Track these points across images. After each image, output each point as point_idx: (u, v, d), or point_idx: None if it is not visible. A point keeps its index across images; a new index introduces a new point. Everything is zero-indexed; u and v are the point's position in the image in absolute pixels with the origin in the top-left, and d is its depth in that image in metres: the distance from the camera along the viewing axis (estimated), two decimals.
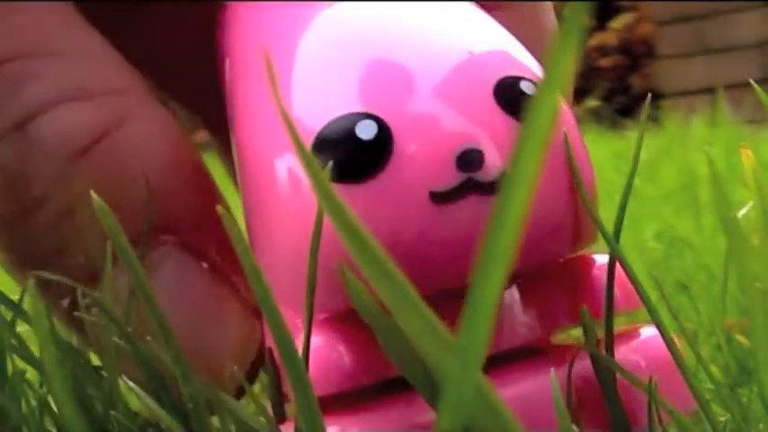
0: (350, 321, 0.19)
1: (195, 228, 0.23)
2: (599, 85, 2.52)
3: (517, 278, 0.20)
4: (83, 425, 0.16)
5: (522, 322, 0.20)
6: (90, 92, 0.22)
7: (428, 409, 0.17)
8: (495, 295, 0.12)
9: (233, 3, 0.24)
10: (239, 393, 0.22)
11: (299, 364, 0.16)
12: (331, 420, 0.19)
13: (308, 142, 0.19)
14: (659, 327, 0.19)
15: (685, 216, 0.57)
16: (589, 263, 0.21)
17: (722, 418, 0.20)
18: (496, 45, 0.21)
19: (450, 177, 0.18)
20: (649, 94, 0.23)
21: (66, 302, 0.22)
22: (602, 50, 2.63)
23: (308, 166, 0.13)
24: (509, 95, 0.19)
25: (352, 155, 0.18)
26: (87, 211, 0.21)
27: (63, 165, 0.22)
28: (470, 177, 0.18)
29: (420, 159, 0.18)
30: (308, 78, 0.20)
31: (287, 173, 0.19)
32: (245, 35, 0.23)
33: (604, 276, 0.20)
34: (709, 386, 0.23)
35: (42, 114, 0.22)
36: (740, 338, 0.31)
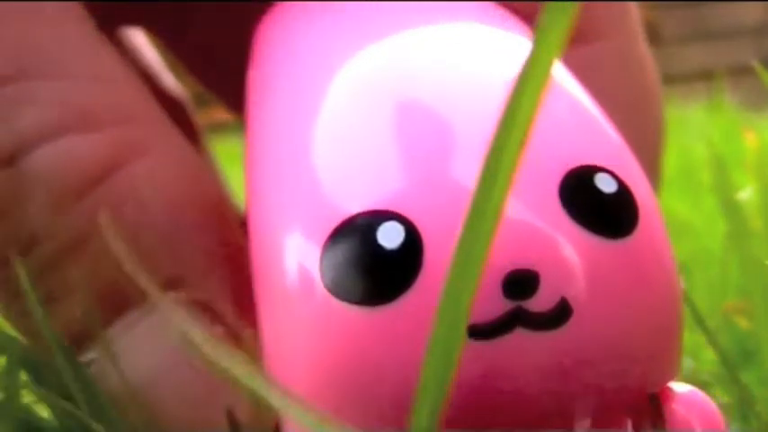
0: None
1: (209, 282, 0.20)
2: None
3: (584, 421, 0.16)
4: None
5: None
6: (96, 121, 0.20)
7: None
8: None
9: (275, 9, 0.21)
10: None
11: None
12: None
13: (320, 243, 0.15)
14: None
15: (685, 199, 0.57)
16: (667, 395, 0.17)
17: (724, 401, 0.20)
18: (566, 115, 0.16)
19: (495, 306, 0.14)
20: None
21: (61, 358, 0.20)
22: None
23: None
24: (580, 195, 0.15)
25: (371, 268, 0.14)
26: (86, 258, 0.19)
27: (60, 205, 0.19)
28: (520, 307, 0.14)
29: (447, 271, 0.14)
30: (328, 151, 0.16)
31: (298, 271, 0.15)
32: (274, 58, 0.19)
33: (688, 414, 0.16)
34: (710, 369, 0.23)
35: (39, 146, 0.19)
36: (741, 321, 0.31)
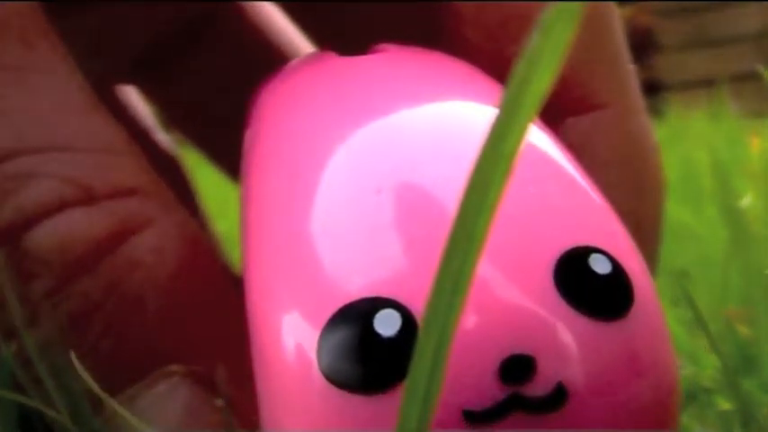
0: None
1: (210, 354, 0.20)
2: None
3: None
4: None
5: None
6: (96, 194, 0.19)
7: None
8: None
9: (273, 78, 0.21)
10: None
11: None
12: None
13: (317, 329, 0.15)
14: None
15: (687, 206, 0.57)
16: None
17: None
18: (559, 195, 0.16)
19: (491, 392, 0.14)
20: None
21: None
22: None
23: None
24: (574, 277, 0.15)
25: (368, 356, 0.14)
26: (91, 332, 0.19)
27: (65, 279, 0.19)
28: (516, 393, 0.14)
29: (453, 366, 0.14)
30: (326, 234, 0.16)
31: (295, 356, 0.15)
32: (272, 129, 0.19)
33: None
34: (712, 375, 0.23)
35: (41, 222, 0.19)
36: (742, 328, 0.31)
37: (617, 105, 0.23)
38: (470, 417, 0.14)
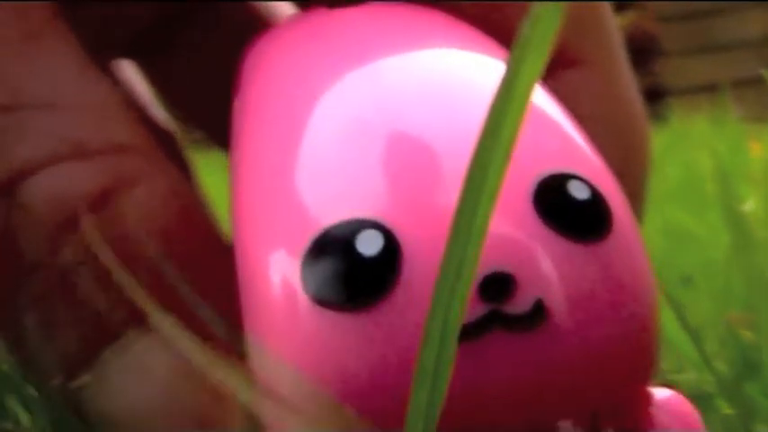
0: None
1: (201, 308, 0.20)
2: None
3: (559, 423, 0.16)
4: None
5: None
6: (90, 150, 0.20)
7: None
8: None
9: (260, 39, 0.21)
10: None
11: None
12: None
13: (300, 252, 0.15)
14: None
15: (690, 211, 0.57)
16: (645, 399, 0.17)
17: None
18: (539, 124, 0.16)
19: (472, 308, 0.14)
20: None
21: (56, 381, 0.20)
22: None
23: None
24: (552, 202, 0.15)
25: (349, 275, 0.15)
26: (83, 286, 0.19)
27: (54, 232, 0.19)
28: (496, 310, 0.14)
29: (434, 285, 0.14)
30: (313, 162, 0.16)
31: (283, 283, 0.15)
32: (259, 83, 0.20)
33: (667, 419, 0.16)
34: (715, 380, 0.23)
35: (33, 175, 0.19)
36: (745, 333, 0.31)
37: (602, 64, 0.23)
38: None
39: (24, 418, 0.21)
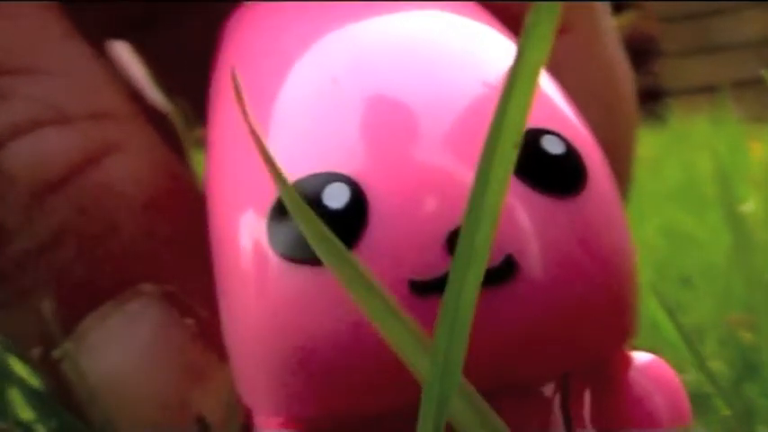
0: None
1: (182, 275, 0.20)
2: None
3: (534, 384, 0.16)
4: None
5: None
6: (70, 116, 0.19)
7: None
8: (474, 289, 0.12)
9: (239, 8, 0.21)
10: None
11: None
12: None
13: (266, 208, 0.15)
14: None
15: (689, 212, 0.57)
16: (625, 362, 0.16)
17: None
18: None
19: (437, 262, 0.14)
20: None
21: (36, 352, 0.20)
22: None
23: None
24: (525, 155, 0.14)
25: None
26: (59, 253, 0.19)
27: (34, 198, 0.19)
28: None
29: (401, 237, 0.14)
30: (283, 120, 0.16)
31: (251, 243, 0.15)
32: (234, 48, 0.19)
33: (647, 383, 0.16)
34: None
35: (13, 140, 0.19)
36: (744, 334, 0.31)
37: (584, 30, 0.23)
38: (416, 287, 0.14)
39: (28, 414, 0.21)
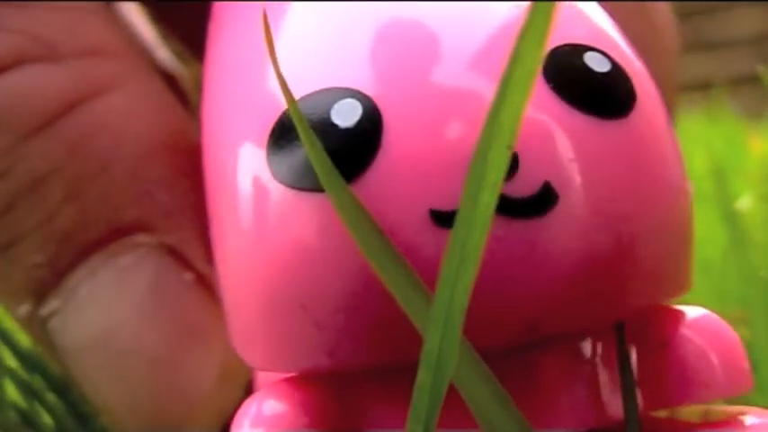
0: (320, 385, 0.14)
1: (181, 226, 0.19)
2: None
3: (576, 339, 0.14)
4: None
5: (580, 402, 0.14)
6: (62, 52, 0.18)
7: None
8: (478, 247, 0.11)
9: None
10: None
11: None
12: None
13: (268, 128, 0.13)
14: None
15: None
16: (676, 318, 0.15)
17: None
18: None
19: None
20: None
21: (23, 309, 0.19)
22: None
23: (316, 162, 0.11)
24: (566, 73, 0.13)
25: (325, 149, 0.12)
26: (48, 196, 0.18)
27: (21, 137, 0.18)
28: None
29: (420, 161, 0.12)
30: (289, 44, 0.14)
31: (251, 184, 0.14)
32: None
33: (700, 340, 0.14)
34: None
35: None
36: (739, 330, 0.31)
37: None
38: (438, 217, 0.12)
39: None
